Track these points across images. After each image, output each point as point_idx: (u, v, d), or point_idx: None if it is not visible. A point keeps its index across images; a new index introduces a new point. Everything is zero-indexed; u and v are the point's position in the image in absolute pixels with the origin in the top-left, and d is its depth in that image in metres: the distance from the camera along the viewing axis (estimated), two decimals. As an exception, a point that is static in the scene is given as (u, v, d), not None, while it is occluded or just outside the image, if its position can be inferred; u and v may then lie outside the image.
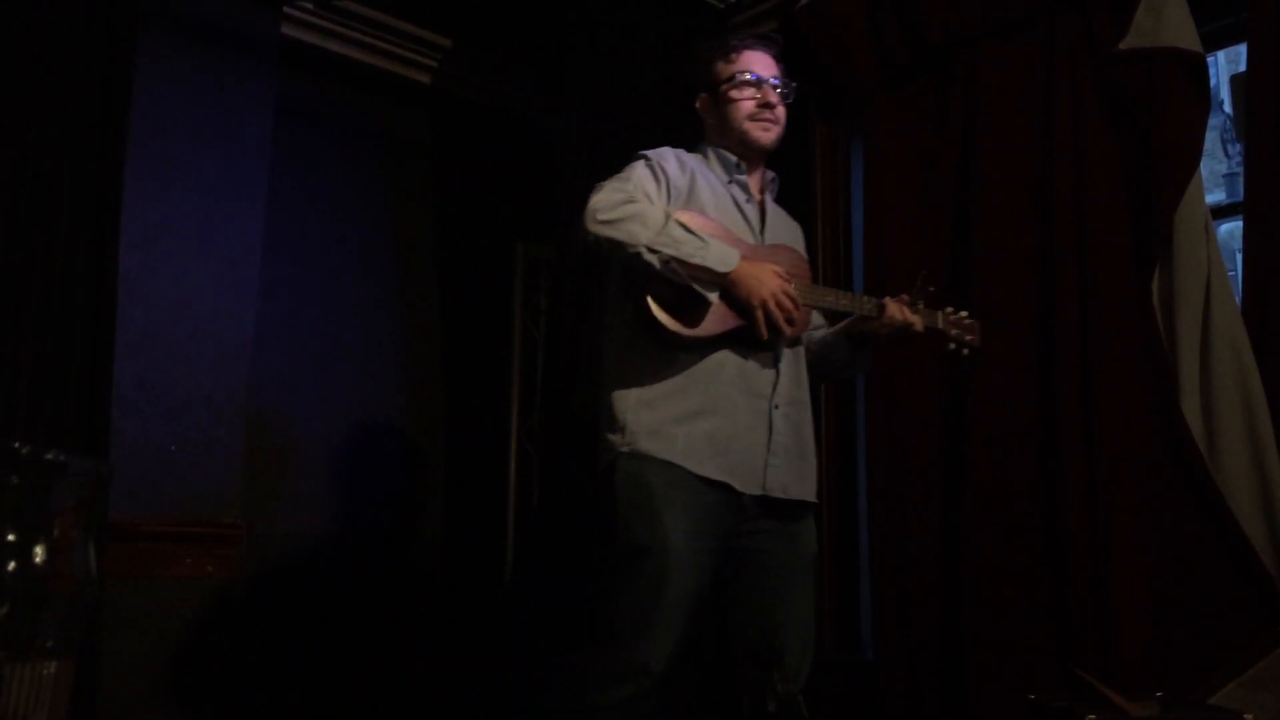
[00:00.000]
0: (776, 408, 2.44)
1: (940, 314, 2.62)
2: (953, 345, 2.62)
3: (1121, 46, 2.92)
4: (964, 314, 2.66)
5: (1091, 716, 2.22)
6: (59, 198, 2.94)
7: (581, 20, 3.64)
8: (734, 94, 2.54)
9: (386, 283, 4.13)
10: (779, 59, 2.61)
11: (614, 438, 2.36)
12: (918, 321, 2.54)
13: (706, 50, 2.61)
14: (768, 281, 2.36)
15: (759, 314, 2.34)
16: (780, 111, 2.58)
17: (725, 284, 2.33)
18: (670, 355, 2.37)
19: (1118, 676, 2.63)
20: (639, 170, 2.46)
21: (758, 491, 2.37)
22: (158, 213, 3.23)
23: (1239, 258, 3.33)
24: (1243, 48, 3.02)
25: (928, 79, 3.42)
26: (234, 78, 3.45)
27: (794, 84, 2.62)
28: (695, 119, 2.64)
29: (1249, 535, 2.61)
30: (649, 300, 2.34)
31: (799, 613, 2.41)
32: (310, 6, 3.85)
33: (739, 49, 2.57)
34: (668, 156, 2.50)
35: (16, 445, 0.91)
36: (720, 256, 2.32)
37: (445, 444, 4.21)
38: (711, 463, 2.33)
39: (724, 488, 2.33)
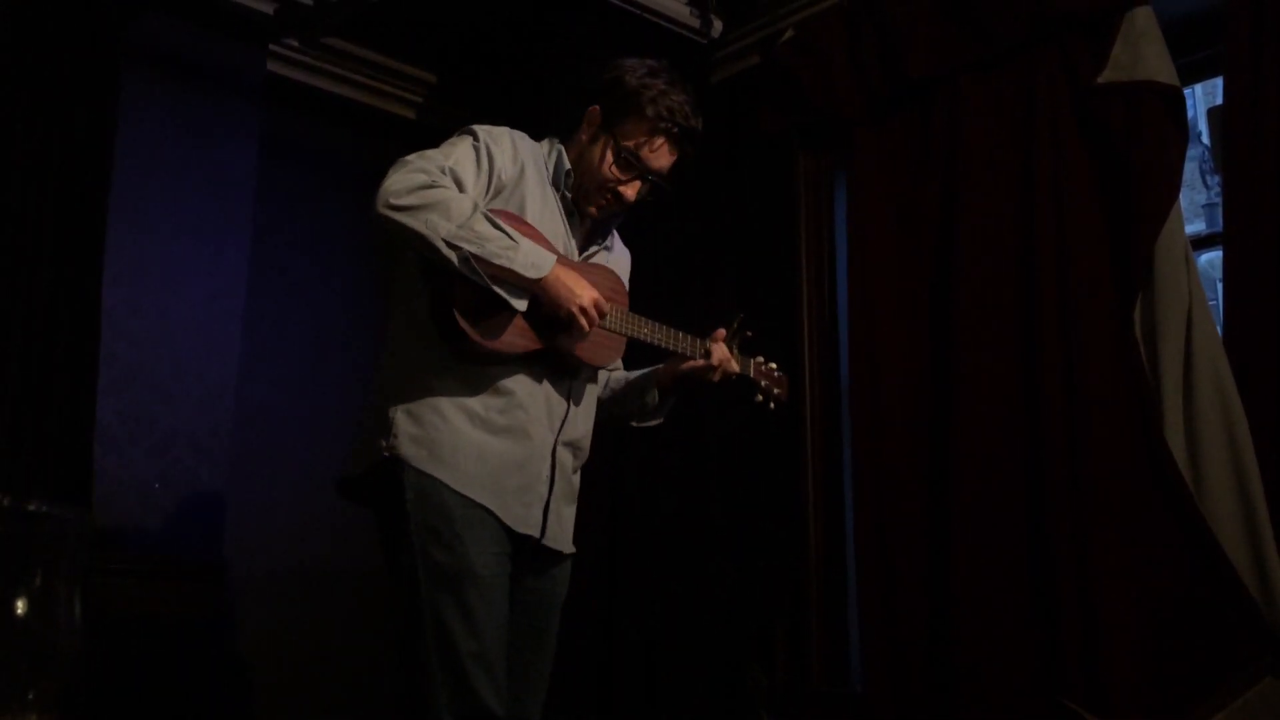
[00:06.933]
0: (561, 445, 2.23)
1: (752, 362, 2.48)
2: (760, 397, 2.50)
3: (1100, 80, 2.95)
4: (773, 366, 2.54)
5: (1080, 748, 2.22)
6: (42, 234, 2.94)
7: (563, 55, 3.67)
8: (614, 163, 2.28)
9: (371, 318, 4.12)
10: (687, 156, 2.35)
11: (380, 441, 2.12)
12: (736, 368, 2.38)
13: (647, 96, 2.28)
14: (582, 292, 2.11)
15: (579, 319, 2.10)
16: (630, 203, 2.32)
17: (536, 290, 2.09)
18: (459, 362, 2.13)
19: (1105, 706, 2.63)
20: (460, 150, 2.18)
21: (526, 532, 2.17)
22: (141, 249, 3.23)
23: (1220, 287, 3.36)
24: (1219, 81, 3.06)
25: (910, 112, 3.44)
26: (219, 114, 3.47)
27: (666, 187, 2.35)
28: (574, 107, 2.37)
29: (1235, 563, 2.61)
30: (450, 301, 2.07)
31: (544, 667, 2.25)
32: (295, 43, 3.87)
33: (664, 140, 2.28)
34: (502, 140, 2.25)
35: (-3, 495, 0.91)
36: (532, 260, 2.06)
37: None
38: (483, 489, 2.11)
39: (494, 515, 2.12)
